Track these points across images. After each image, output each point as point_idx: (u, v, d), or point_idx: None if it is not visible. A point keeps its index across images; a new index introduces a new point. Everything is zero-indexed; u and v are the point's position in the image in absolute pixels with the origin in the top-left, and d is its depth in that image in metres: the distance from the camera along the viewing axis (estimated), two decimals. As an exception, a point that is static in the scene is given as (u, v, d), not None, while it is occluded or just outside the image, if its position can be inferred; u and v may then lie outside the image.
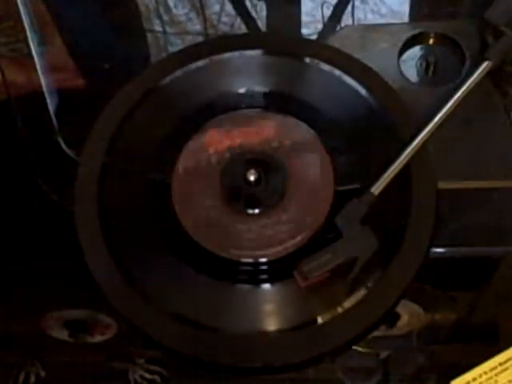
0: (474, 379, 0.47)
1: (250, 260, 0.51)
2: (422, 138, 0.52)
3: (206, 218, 0.52)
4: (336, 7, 0.68)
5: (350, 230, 0.49)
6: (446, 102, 0.53)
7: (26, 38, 0.62)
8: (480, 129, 0.55)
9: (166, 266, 0.51)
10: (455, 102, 0.53)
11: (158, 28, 0.70)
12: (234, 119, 0.55)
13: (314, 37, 0.67)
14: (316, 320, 0.49)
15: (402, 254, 0.50)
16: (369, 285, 0.49)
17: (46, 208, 0.58)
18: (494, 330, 0.53)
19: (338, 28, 0.67)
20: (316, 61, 0.58)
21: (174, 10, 0.71)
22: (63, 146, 0.60)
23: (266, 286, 0.50)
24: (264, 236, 0.51)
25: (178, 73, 0.58)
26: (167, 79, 0.58)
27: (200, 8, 0.71)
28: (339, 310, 0.49)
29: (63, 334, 0.55)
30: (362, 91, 0.56)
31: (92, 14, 0.69)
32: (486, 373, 0.48)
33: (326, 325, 0.48)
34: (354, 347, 0.50)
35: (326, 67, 0.57)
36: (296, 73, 0.59)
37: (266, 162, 0.53)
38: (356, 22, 0.68)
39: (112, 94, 0.57)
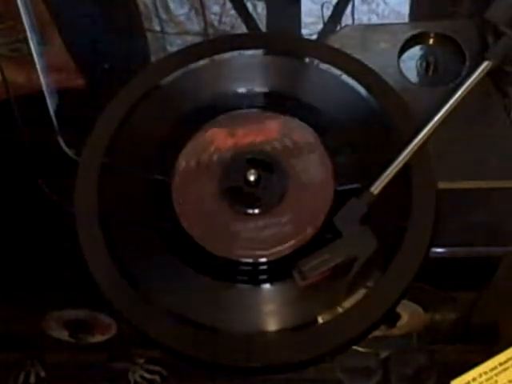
0: (474, 379, 0.47)
1: (250, 260, 0.51)
2: (422, 138, 0.52)
3: (206, 218, 0.52)
4: (336, 7, 0.68)
5: (350, 230, 0.49)
6: (446, 101, 0.53)
7: (26, 38, 0.62)
8: (480, 129, 0.55)
9: (166, 266, 0.51)
10: (455, 101, 0.53)
11: (158, 28, 0.70)
12: (233, 119, 0.55)
13: (314, 37, 0.67)
14: (316, 320, 0.49)
15: (402, 253, 0.50)
16: (369, 285, 0.49)
17: (46, 208, 0.58)
18: (494, 330, 0.53)
19: (338, 28, 0.67)
20: (316, 61, 0.58)
21: (173, 10, 0.71)
22: (63, 146, 0.60)
23: (266, 285, 0.50)
24: (264, 236, 0.51)
25: (178, 73, 0.58)
26: (167, 79, 0.58)
27: (200, 8, 0.71)
28: (339, 309, 0.49)
29: (63, 334, 0.55)
30: (362, 91, 0.56)
31: (92, 13, 0.69)
32: (486, 373, 0.48)
33: (326, 325, 0.48)
34: (354, 347, 0.50)
35: (325, 67, 0.57)
36: (296, 73, 0.59)
37: (265, 161, 0.53)
38: (356, 22, 0.68)
39: (112, 93, 0.57)
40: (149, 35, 0.70)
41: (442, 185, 0.52)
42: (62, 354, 0.55)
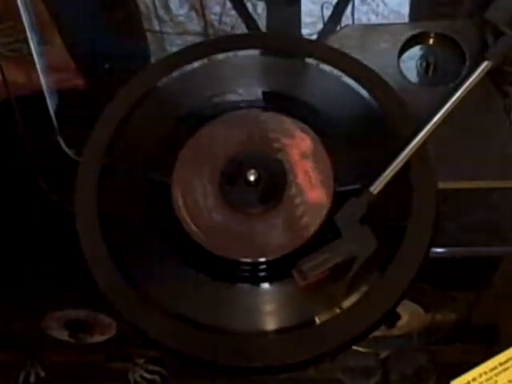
0: (474, 379, 0.47)
1: (250, 260, 0.51)
2: (422, 138, 0.52)
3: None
4: (336, 7, 0.68)
5: (349, 230, 0.49)
6: (446, 101, 0.53)
7: (26, 38, 0.62)
8: (480, 129, 0.55)
9: (166, 266, 0.51)
10: (455, 101, 0.53)
11: (158, 28, 0.70)
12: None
13: (314, 37, 0.67)
14: (316, 320, 0.49)
15: (402, 253, 0.50)
16: (369, 284, 0.49)
17: (46, 208, 0.58)
18: (494, 330, 0.53)
19: (338, 28, 0.67)
20: (316, 61, 0.58)
21: (173, 10, 0.71)
22: (63, 146, 0.60)
23: (266, 285, 0.50)
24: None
25: (178, 73, 0.58)
26: (167, 79, 0.58)
27: (200, 8, 0.71)
28: (339, 309, 0.49)
29: (63, 334, 0.55)
30: (362, 91, 0.56)
31: (92, 14, 0.69)
32: (485, 373, 0.48)
33: (326, 324, 0.48)
34: (354, 347, 0.50)
35: (325, 67, 0.57)
36: (296, 73, 0.59)
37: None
38: (356, 22, 0.68)
39: (112, 93, 0.57)
40: (149, 35, 0.70)
41: (442, 185, 0.52)
42: (62, 354, 0.55)
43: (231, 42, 0.60)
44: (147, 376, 0.53)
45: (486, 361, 0.48)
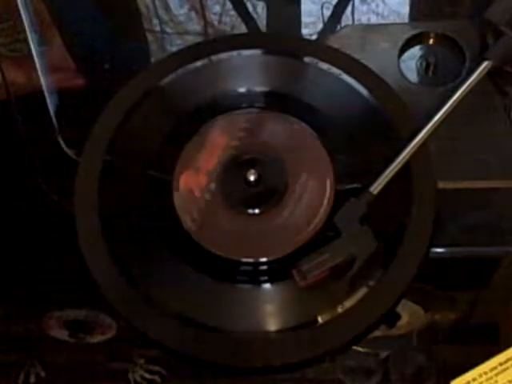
0: (474, 379, 0.47)
1: (251, 260, 0.51)
2: (422, 138, 0.52)
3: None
4: (336, 7, 0.68)
5: (349, 230, 0.49)
6: (446, 102, 0.53)
7: (26, 38, 0.62)
8: (480, 129, 0.55)
9: (166, 266, 0.51)
10: (455, 101, 0.53)
11: (158, 28, 0.70)
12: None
13: (314, 37, 0.67)
14: (316, 320, 0.49)
15: (402, 253, 0.50)
16: (369, 284, 0.49)
17: (46, 208, 0.58)
18: (494, 330, 0.53)
19: (338, 28, 0.67)
20: (316, 61, 0.58)
21: (173, 10, 0.71)
22: (63, 146, 0.60)
23: (266, 285, 0.50)
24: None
25: (178, 72, 0.58)
26: (167, 79, 0.58)
27: (200, 8, 0.71)
28: (339, 309, 0.49)
29: (63, 334, 0.55)
30: (362, 91, 0.56)
31: (92, 13, 0.69)
32: (486, 373, 0.47)
33: (326, 324, 0.48)
34: (354, 347, 0.50)
35: (325, 67, 0.57)
36: (296, 73, 0.59)
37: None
38: (356, 22, 0.68)
39: (112, 93, 0.57)
40: (149, 35, 0.70)
41: (441, 185, 0.52)
42: (62, 354, 0.55)
43: (231, 42, 0.60)
44: (147, 376, 0.53)
45: (486, 361, 0.48)
